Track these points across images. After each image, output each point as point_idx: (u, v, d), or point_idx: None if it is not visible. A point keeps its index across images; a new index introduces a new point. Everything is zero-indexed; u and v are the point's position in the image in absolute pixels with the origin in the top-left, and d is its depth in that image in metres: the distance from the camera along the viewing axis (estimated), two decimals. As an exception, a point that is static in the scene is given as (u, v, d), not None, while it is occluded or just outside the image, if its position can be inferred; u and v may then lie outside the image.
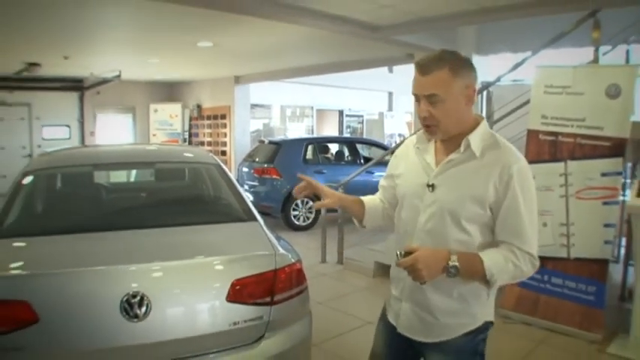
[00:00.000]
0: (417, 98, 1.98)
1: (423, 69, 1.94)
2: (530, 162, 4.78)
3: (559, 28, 5.34)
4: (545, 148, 4.93)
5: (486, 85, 6.36)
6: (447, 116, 1.94)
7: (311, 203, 9.60)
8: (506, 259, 1.92)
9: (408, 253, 1.86)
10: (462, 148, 1.97)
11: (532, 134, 5.03)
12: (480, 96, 6.92)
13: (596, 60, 5.08)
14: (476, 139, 1.97)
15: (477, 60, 7.25)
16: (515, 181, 1.91)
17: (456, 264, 1.87)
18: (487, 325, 2.11)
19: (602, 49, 5.10)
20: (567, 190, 4.77)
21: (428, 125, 2.00)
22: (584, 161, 4.69)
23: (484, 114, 6.82)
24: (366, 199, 2.38)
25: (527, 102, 5.27)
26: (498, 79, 6.06)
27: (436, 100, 1.91)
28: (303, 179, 2.31)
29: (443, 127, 1.97)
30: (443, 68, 1.90)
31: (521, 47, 6.45)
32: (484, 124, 2.03)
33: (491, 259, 1.90)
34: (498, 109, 6.12)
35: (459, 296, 2.02)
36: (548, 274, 4.88)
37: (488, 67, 7.28)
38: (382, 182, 2.40)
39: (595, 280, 4.61)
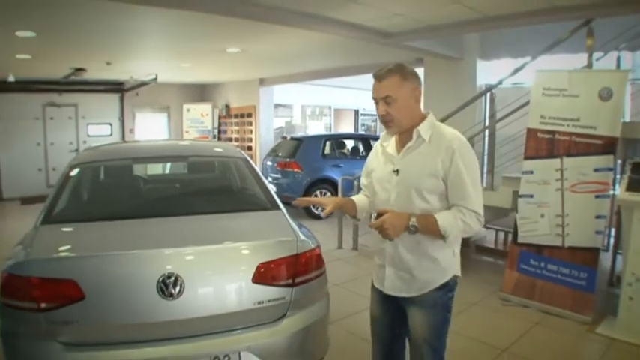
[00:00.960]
0: (376, 101, 2.30)
1: (379, 77, 2.27)
2: (529, 158, 4.89)
3: (556, 36, 5.31)
4: (543, 145, 4.92)
5: (489, 88, 6.34)
6: (400, 113, 2.26)
7: (329, 194, 9.62)
8: (455, 217, 2.20)
9: (379, 215, 2.18)
10: (414, 137, 2.29)
11: (531, 132, 5.01)
12: (483, 97, 6.92)
13: (589, 65, 5.04)
14: (424, 129, 2.29)
15: (480, 64, 7.26)
16: (457, 155, 2.20)
17: (415, 223, 2.17)
18: (455, 280, 2.39)
19: (595, 55, 5.06)
20: (563, 184, 4.76)
21: (386, 122, 2.31)
22: (578, 158, 4.68)
23: (487, 114, 6.82)
24: (356, 198, 2.63)
25: (527, 103, 5.25)
26: (500, 82, 6.03)
27: (390, 100, 2.24)
28: (301, 203, 2.58)
29: (397, 122, 2.28)
30: (394, 75, 2.24)
31: (520, 53, 6.40)
32: (430, 118, 2.34)
33: (443, 218, 2.19)
34: (501, 110, 6.09)
35: (430, 256, 2.30)
36: (545, 261, 4.88)
37: (491, 70, 7.26)
38: (362, 181, 2.65)
39: (587, 267, 4.61)
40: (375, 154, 2.54)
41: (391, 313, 2.49)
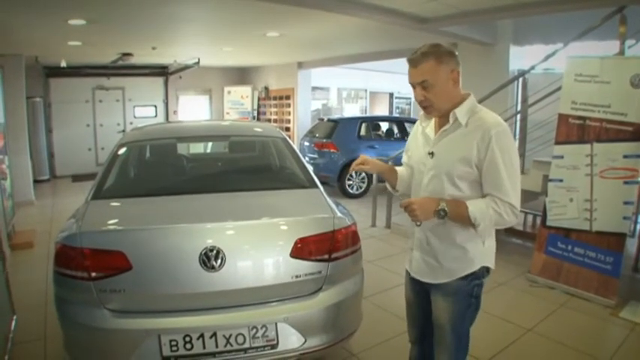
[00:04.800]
0: (413, 86, 2.16)
1: (413, 62, 2.12)
2: (560, 143, 4.84)
3: (587, 22, 5.18)
4: (573, 130, 4.84)
5: (522, 73, 6.25)
6: (438, 97, 2.12)
7: (363, 174, 9.68)
8: (488, 206, 2.06)
9: None
10: (450, 120, 2.15)
11: (562, 118, 4.94)
12: (516, 82, 6.83)
13: (621, 52, 4.92)
14: (461, 112, 2.13)
15: (513, 50, 7.15)
16: (494, 142, 2.04)
17: (445, 208, 2.06)
18: (483, 271, 2.26)
19: (627, 42, 4.94)
20: (592, 169, 4.69)
21: (424, 107, 2.19)
22: (608, 144, 4.60)
23: (520, 99, 6.73)
24: (399, 168, 2.53)
25: (559, 89, 5.15)
26: (532, 68, 5.93)
27: (427, 85, 2.10)
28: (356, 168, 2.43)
29: (436, 106, 2.15)
30: (429, 59, 2.07)
31: (552, 39, 6.29)
32: (470, 100, 2.18)
33: (474, 206, 2.07)
34: (532, 95, 6.01)
35: (459, 244, 2.19)
36: (572, 244, 4.84)
37: (523, 56, 7.14)
38: (403, 159, 2.55)
39: (613, 252, 4.55)
40: (415, 134, 2.44)
41: (421, 295, 2.42)
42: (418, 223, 2.12)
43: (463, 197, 2.11)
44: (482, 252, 2.22)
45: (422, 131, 2.34)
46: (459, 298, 2.24)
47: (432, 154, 2.22)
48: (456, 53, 2.15)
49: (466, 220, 2.08)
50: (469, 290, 2.24)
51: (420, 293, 2.42)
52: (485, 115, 2.14)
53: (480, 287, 2.26)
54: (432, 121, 2.30)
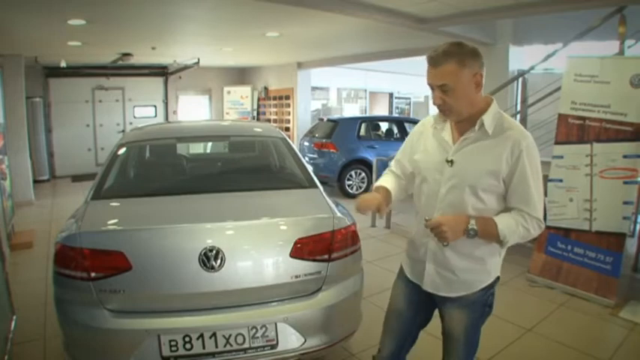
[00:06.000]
0: (432, 87, 2.00)
1: (433, 62, 1.95)
2: (560, 143, 4.85)
3: (586, 22, 5.19)
4: (573, 130, 4.84)
5: (522, 73, 6.26)
6: (458, 102, 1.96)
7: (363, 174, 9.70)
8: (517, 223, 1.98)
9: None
10: (476, 127, 1.99)
11: (562, 118, 4.94)
12: (516, 82, 6.83)
13: (621, 52, 4.93)
14: (489, 119, 1.99)
15: (513, 50, 7.15)
16: (525, 156, 1.94)
17: (475, 227, 1.95)
18: (496, 280, 2.20)
19: (627, 42, 4.94)
20: (592, 169, 4.69)
21: (443, 110, 2.03)
22: (608, 144, 4.59)
23: (519, 99, 6.73)
24: (389, 185, 2.34)
25: (559, 89, 5.16)
26: (532, 68, 5.94)
27: (447, 88, 1.94)
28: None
29: (456, 111, 1.99)
30: (451, 61, 1.91)
31: (551, 39, 6.30)
32: (494, 105, 2.03)
33: (504, 223, 1.97)
34: (532, 95, 6.02)
35: (477, 257, 2.10)
36: (572, 244, 4.84)
37: (523, 56, 7.15)
38: (398, 156, 2.40)
39: (612, 252, 4.55)
40: (424, 134, 2.25)
41: (416, 308, 2.33)
42: (445, 244, 2.00)
43: (485, 210, 2.02)
44: (497, 263, 2.18)
45: (435, 134, 2.17)
46: (475, 309, 2.18)
47: (451, 162, 2.06)
48: (480, 54, 1.98)
49: (494, 238, 2.00)
50: (484, 300, 2.19)
51: (419, 304, 2.32)
52: (511, 124, 2.02)
53: (493, 296, 2.22)
54: (447, 125, 2.13)
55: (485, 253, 2.10)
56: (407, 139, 2.39)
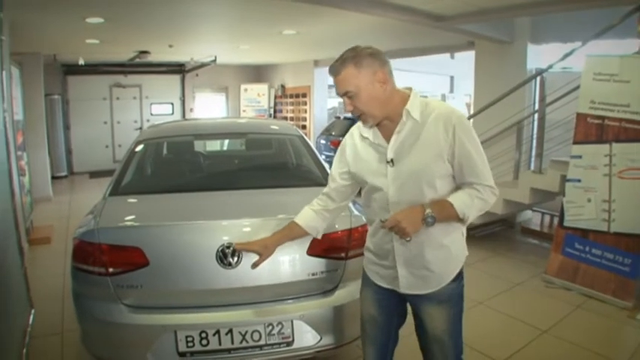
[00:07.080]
0: (342, 97, 1.99)
1: (334, 71, 1.96)
2: (578, 142, 4.80)
3: (605, 20, 5.11)
4: (592, 130, 4.79)
5: (540, 72, 6.19)
6: (368, 105, 1.94)
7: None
8: (471, 197, 1.95)
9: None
10: (404, 118, 1.97)
11: (581, 117, 4.88)
12: (533, 81, 6.77)
13: (640, 51, 4.87)
14: (414, 107, 1.96)
15: (531, 48, 7.08)
16: (459, 129, 1.92)
17: (432, 213, 1.90)
18: (463, 267, 2.17)
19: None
20: (611, 169, 4.63)
21: (358, 117, 2.02)
22: (627, 144, 4.53)
23: (537, 98, 6.66)
24: (301, 218, 2.34)
25: (577, 88, 5.10)
26: (550, 67, 5.88)
27: (352, 95, 1.93)
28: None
29: (370, 114, 1.97)
30: (348, 65, 1.91)
31: (570, 37, 6.21)
32: (414, 94, 2.02)
33: (459, 200, 1.95)
34: (550, 94, 5.96)
35: (442, 244, 2.06)
36: (589, 245, 4.79)
37: (541, 55, 7.07)
38: (333, 171, 2.32)
39: (631, 253, 4.49)
40: (354, 144, 2.18)
41: (388, 311, 2.29)
42: (408, 239, 1.93)
43: (441, 197, 1.98)
44: (461, 244, 2.15)
45: (365, 141, 2.11)
46: (454, 303, 2.15)
47: (391, 161, 2.00)
48: (379, 52, 1.98)
49: (454, 219, 1.97)
50: (459, 292, 2.17)
51: (388, 308, 2.28)
52: (436, 105, 2.00)
53: (464, 286, 2.20)
54: (374, 129, 2.07)
55: (447, 237, 2.06)
56: (337, 153, 2.31)
